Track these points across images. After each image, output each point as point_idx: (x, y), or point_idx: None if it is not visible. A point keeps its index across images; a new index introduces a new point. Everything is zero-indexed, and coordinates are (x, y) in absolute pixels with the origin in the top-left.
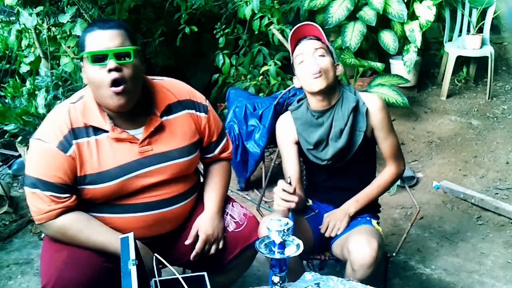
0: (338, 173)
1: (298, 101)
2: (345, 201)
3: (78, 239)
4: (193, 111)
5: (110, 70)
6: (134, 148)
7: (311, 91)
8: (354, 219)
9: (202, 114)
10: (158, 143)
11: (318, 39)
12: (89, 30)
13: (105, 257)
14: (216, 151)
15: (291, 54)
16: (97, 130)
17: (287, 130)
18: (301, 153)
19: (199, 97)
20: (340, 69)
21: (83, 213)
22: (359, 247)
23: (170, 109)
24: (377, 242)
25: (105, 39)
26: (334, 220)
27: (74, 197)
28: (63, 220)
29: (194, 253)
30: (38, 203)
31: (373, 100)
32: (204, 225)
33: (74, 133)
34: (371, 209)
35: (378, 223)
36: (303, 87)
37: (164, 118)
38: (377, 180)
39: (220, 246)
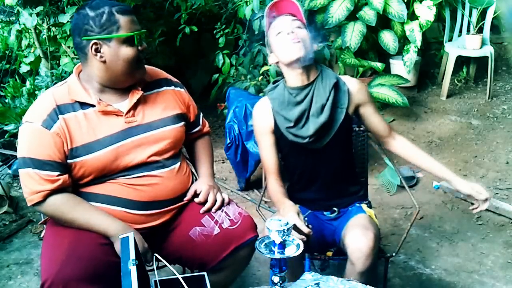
0: (317, 161)
1: (274, 82)
2: (332, 203)
3: (71, 218)
4: (173, 87)
5: (141, 50)
6: (120, 120)
7: (290, 59)
8: (345, 210)
9: (182, 90)
10: (141, 115)
11: (295, 16)
12: (123, 12)
13: (106, 251)
14: (201, 125)
15: (266, 32)
16: (84, 105)
17: (263, 118)
18: (278, 141)
19: (174, 78)
20: (316, 46)
21: (75, 195)
22: (355, 239)
23: (149, 86)
24: (373, 232)
25: (135, 23)
26: (476, 187)
27: (65, 176)
28: (54, 200)
29: (201, 202)
30: (29, 183)
31: (352, 80)
32: (200, 182)
33: (60, 109)
34: (358, 197)
35: (368, 205)
36: (280, 61)
37: (146, 93)
38: (414, 148)
39: (226, 197)
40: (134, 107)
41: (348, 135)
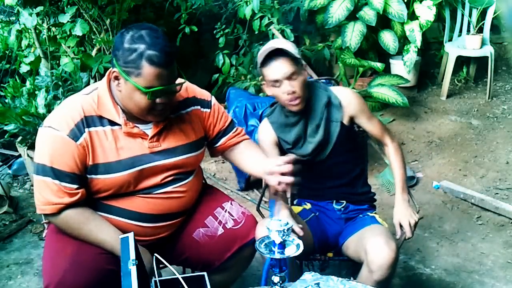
0: (323, 169)
1: (271, 105)
2: (341, 193)
3: (79, 233)
4: (199, 107)
5: (157, 103)
6: (144, 143)
7: (289, 110)
8: (357, 217)
9: (206, 110)
10: (166, 139)
11: (286, 54)
12: (152, 62)
13: (108, 260)
14: (223, 140)
15: (258, 67)
16: (111, 122)
17: (267, 133)
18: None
19: (203, 94)
20: (306, 74)
21: (87, 208)
22: (378, 248)
23: (177, 107)
24: (395, 243)
25: (161, 78)
26: (405, 218)
27: (82, 190)
28: (66, 214)
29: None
30: (46, 193)
31: (344, 91)
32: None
33: (87, 121)
34: (368, 199)
35: (376, 213)
36: (277, 100)
37: (172, 115)
38: (394, 161)
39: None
40: (159, 132)
41: (350, 142)
